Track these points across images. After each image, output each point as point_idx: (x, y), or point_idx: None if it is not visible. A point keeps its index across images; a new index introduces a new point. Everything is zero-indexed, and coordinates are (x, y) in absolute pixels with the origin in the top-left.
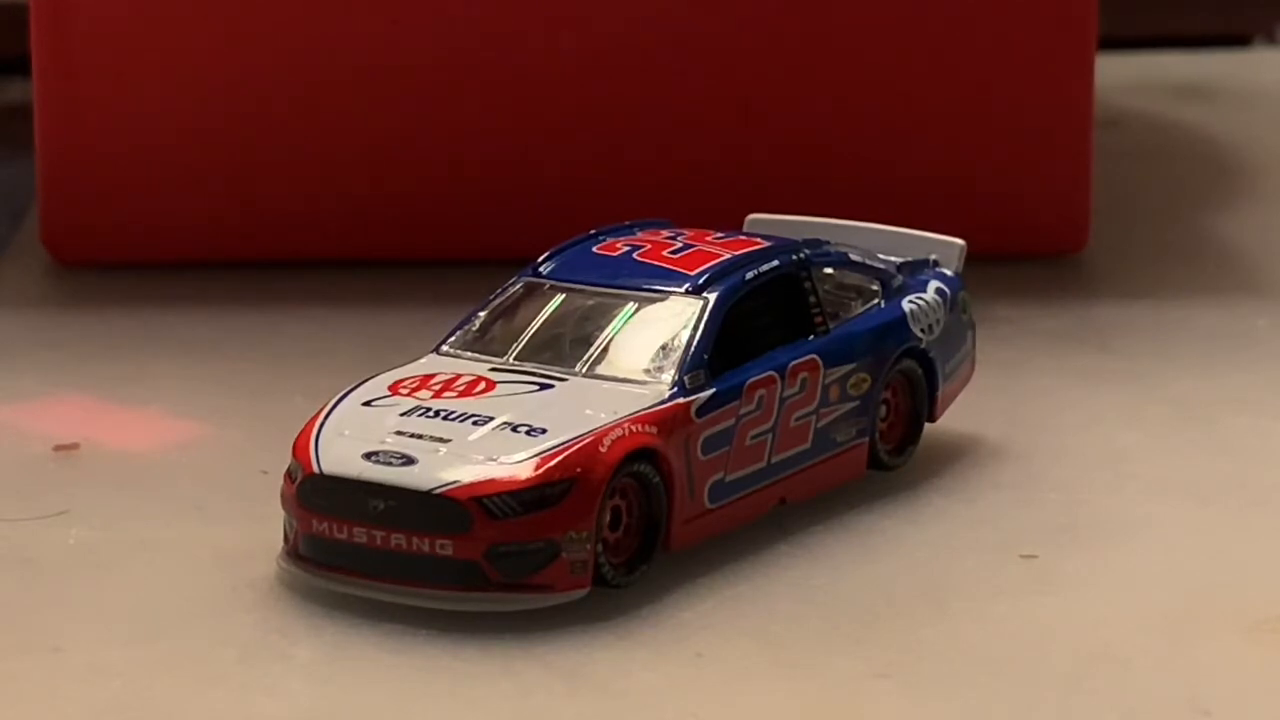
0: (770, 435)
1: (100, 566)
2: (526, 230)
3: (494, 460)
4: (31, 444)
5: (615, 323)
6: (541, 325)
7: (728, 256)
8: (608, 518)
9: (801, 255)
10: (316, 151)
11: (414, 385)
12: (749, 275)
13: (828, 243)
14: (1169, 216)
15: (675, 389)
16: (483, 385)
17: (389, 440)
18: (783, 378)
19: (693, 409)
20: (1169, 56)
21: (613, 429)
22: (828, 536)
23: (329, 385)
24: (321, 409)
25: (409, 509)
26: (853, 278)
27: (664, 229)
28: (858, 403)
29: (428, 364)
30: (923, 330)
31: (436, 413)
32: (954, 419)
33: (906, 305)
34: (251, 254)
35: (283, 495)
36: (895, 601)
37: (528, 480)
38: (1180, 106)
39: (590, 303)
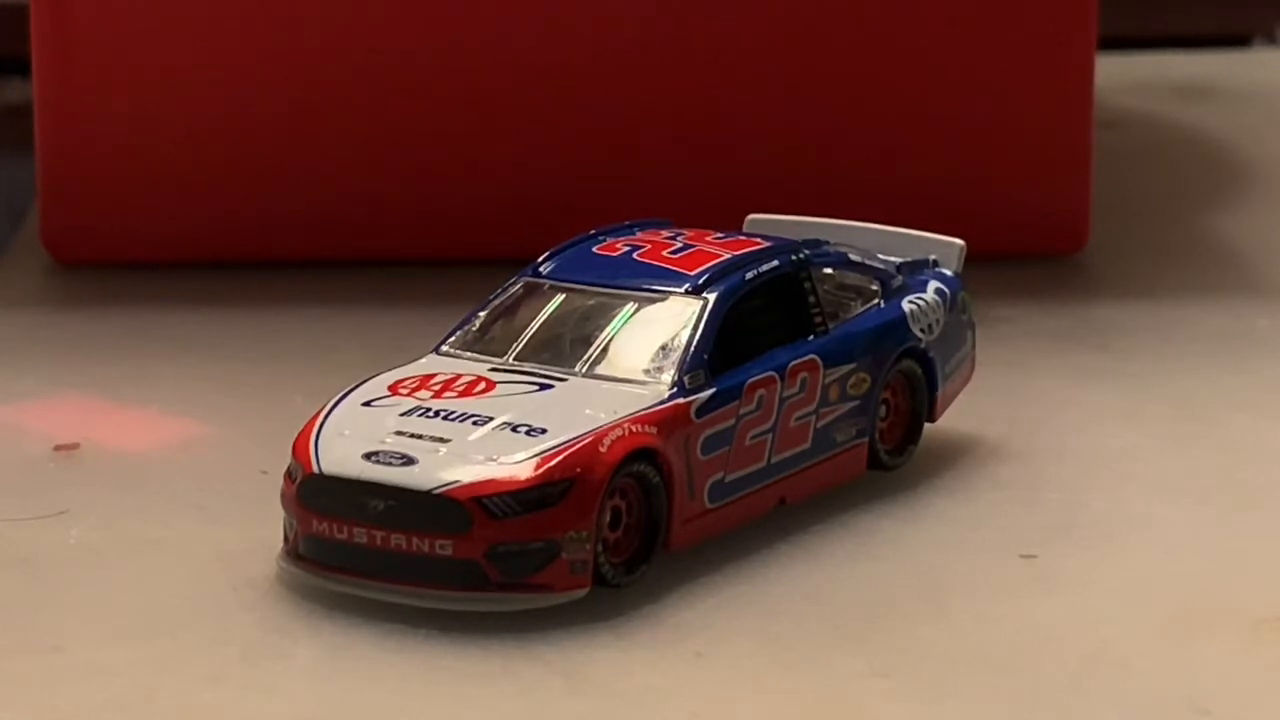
0: (770, 435)
1: (100, 566)
2: (526, 230)
3: (494, 460)
4: (31, 444)
5: (615, 323)
6: (541, 325)
7: (728, 256)
8: (608, 517)
9: (801, 255)
10: (316, 152)
11: (414, 385)
12: (749, 275)
13: (828, 243)
14: (1169, 216)
15: (675, 389)
16: (483, 385)
17: (389, 440)
18: (782, 378)
19: (692, 409)
20: (1169, 56)
21: (612, 429)
22: (828, 536)
23: (329, 385)
24: (321, 409)
25: (409, 509)
26: (853, 278)
27: (664, 229)
28: (857, 403)
29: (428, 364)
30: (923, 330)
31: (436, 413)
32: (954, 419)
33: (906, 305)
34: (251, 254)
35: (283, 495)
36: (895, 601)
37: (528, 480)
38: (1180, 106)
39: (590, 303)
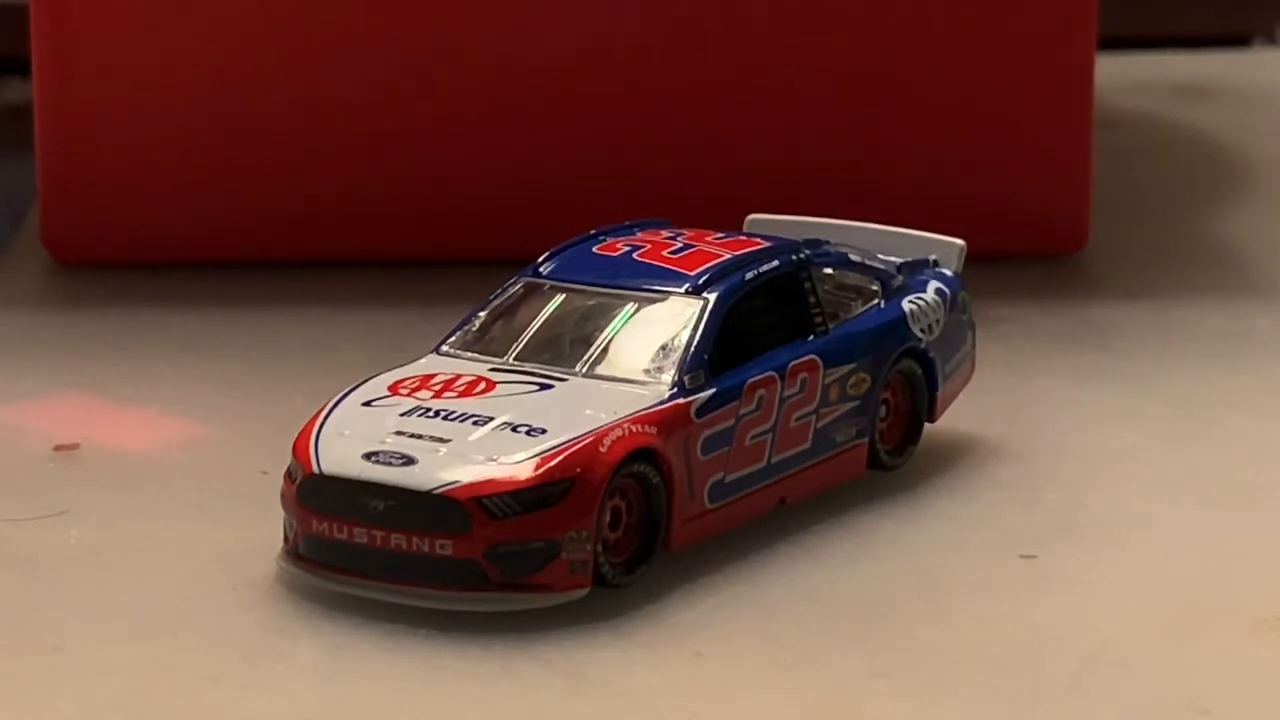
0: (770, 435)
1: (100, 566)
2: (526, 230)
3: (494, 460)
4: (31, 444)
5: (615, 323)
6: (541, 325)
7: (728, 256)
8: (608, 517)
9: (801, 255)
10: (316, 152)
11: (414, 385)
12: (749, 275)
13: (828, 243)
14: (1169, 216)
15: (675, 389)
16: (483, 385)
17: (389, 440)
18: (782, 378)
19: (692, 409)
20: (1169, 56)
21: (613, 429)
22: (828, 536)
23: (329, 385)
24: (321, 409)
25: (409, 509)
26: (853, 278)
27: (664, 229)
28: (857, 403)
29: (428, 364)
30: (923, 330)
31: (436, 413)
32: (954, 419)
33: (906, 305)
34: (251, 254)
35: (283, 495)
36: (895, 601)
37: (528, 480)
38: (1180, 106)
39: (590, 303)
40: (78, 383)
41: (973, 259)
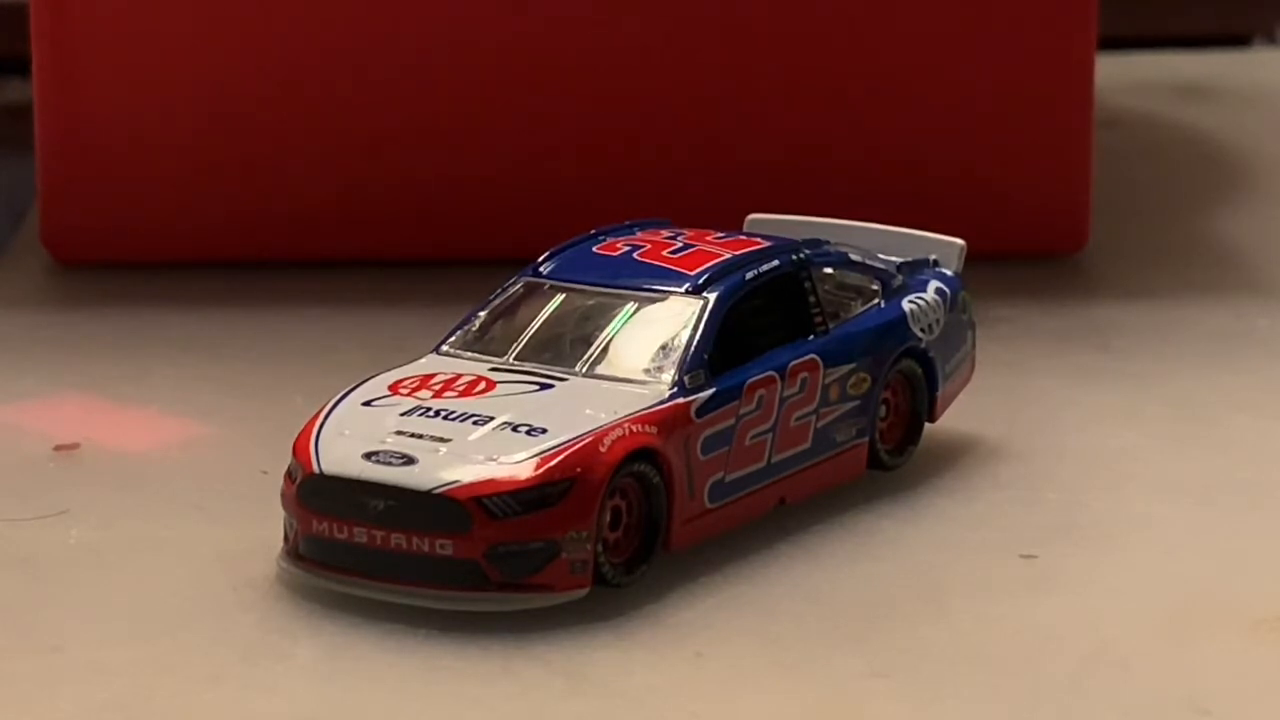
0: (770, 435)
1: (100, 566)
2: (526, 230)
3: (494, 460)
4: (31, 444)
5: (615, 322)
6: (541, 325)
7: (728, 256)
8: (608, 517)
9: (801, 255)
10: (316, 152)
11: (414, 385)
12: (749, 275)
13: (828, 243)
14: (1169, 216)
15: (675, 389)
16: (483, 385)
17: (389, 440)
18: (783, 378)
19: (693, 409)
20: (1169, 56)
21: (613, 429)
22: (828, 536)
23: (329, 385)
24: (321, 409)
25: (409, 509)
26: (853, 278)
27: (664, 229)
28: (857, 403)
29: (428, 364)
30: (923, 330)
31: (437, 412)
32: (954, 419)
33: (906, 305)
34: (251, 254)
35: (283, 495)
36: (895, 601)
37: (528, 480)
38: (1180, 106)
39: (590, 303)
40: (78, 383)
41: (973, 259)
